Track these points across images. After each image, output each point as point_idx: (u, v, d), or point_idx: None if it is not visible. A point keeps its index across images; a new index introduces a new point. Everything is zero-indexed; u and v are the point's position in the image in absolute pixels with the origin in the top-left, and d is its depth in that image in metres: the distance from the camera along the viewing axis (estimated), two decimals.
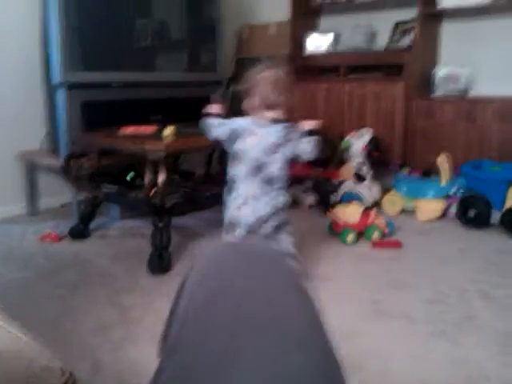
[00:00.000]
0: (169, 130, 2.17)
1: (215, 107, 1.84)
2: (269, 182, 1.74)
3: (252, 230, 1.74)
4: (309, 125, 1.82)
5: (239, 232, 1.74)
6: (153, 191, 2.08)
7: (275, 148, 1.73)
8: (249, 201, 1.72)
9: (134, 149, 2.05)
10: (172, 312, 0.62)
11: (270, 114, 1.73)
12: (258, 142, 1.73)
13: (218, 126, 1.78)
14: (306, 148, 1.78)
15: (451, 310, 1.75)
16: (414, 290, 1.92)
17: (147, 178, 1.99)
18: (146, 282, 2.00)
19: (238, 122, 1.77)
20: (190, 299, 0.61)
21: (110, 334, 1.60)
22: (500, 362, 1.44)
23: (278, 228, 1.81)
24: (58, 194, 3.04)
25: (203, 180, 2.95)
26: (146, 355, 1.43)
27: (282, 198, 1.78)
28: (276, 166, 1.74)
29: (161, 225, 2.08)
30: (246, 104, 1.75)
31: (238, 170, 1.74)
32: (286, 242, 1.85)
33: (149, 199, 2.07)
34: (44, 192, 3.06)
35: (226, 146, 1.79)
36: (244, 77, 1.78)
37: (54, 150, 2.82)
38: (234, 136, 1.74)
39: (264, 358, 0.51)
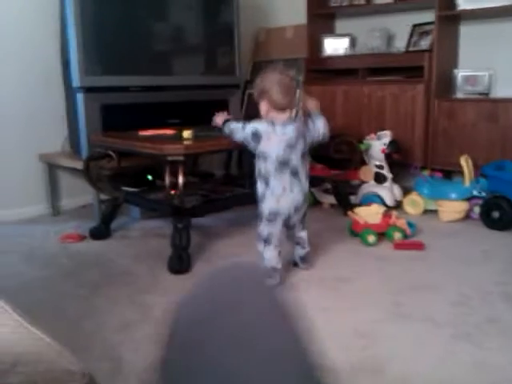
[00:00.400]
0: (187, 133, 2.19)
1: (222, 116, 2.00)
2: (295, 174, 1.89)
3: (288, 218, 1.91)
4: (311, 104, 1.99)
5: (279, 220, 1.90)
6: (172, 193, 2.10)
7: (295, 143, 1.87)
8: (286, 192, 1.87)
9: (153, 151, 2.07)
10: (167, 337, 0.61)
11: (282, 116, 1.84)
12: (278, 141, 1.84)
13: (242, 129, 1.89)
14: (320, 127, 1.96)
15: (475, 313, 1.72)
16: (436, 292, 1.89)
17: (167, 180, 2.00)
18: (167, 282, 2.00)
19: (255, 126, 1.87)
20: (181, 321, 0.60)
21: (132, 332, 1.61)
22: None
23: (302, 220, 2.02)
24: (79, 194, 3.08)
25: (223, 181, 2.97)
26: None
27: (307, 186, 1.96)
28: (298, 159, 1.88)
29: (180, 226, 2.09)
30: (260, 107, 1.86)
31: (268, 167, 1.86)
32: (303, 241, 2.06)
33: (168, 200, 2.08)
34: (66, 193, 3.10)
35: (251, 147, 1.89)
36: (255, 81, 1.89)
37: (74, 151, 2.86)
38: (256, 138, 1.85)
39: None
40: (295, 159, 1.87)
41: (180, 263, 2.08)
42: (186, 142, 2.12)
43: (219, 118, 2.06)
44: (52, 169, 3.01)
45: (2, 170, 2.84)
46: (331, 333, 1.58)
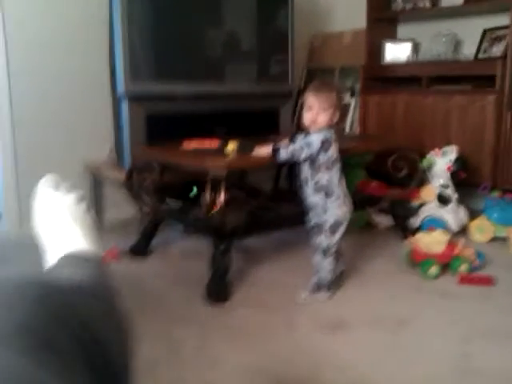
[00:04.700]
0: (232, 145, 2.02)
1: (265, 147, 1.93)
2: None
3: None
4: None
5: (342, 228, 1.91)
6: (213, 211, 1.94)
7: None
8: (346, 198, 1.92)
9: (194, 166, 1.91)
10: None
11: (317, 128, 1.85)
12: (336, 149, 1.89)
13: (307, 145, 1.83)
14: None
15: None
16: None
17: (206, 197, 1.84)
18: (203, 312, 1.84)
19: (322, 134, 1.84)
20: None
21: (156, 375, 1.45)
22: None
23: None
24: (124, 206, 2.98)
25: (271, 197, 2.77)
26: None
27: None
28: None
29: (220, 248, 1.92)
30: (322, 117, 1.83)
31: (332, 176, 1.87)
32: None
33: (208, 220, 1.91)
34: (110, 205, 3.01)
35: (315, 156, 1.85)
36: (327, 90, 1.88)
37: (118, 162, 2.77)
38: (328, 144, 1.84)
39: None
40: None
41: (219, 290, 1.91)
42: (229, 157, 1.95)
43: (264, 150, 1.93)
44: (97, 179, 2.93)
45: None
46: None
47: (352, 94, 3.54)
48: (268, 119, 3.13)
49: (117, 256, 2.40)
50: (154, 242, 2.54)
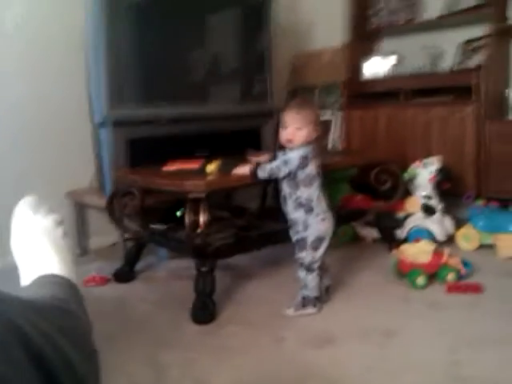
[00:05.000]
0: (213, 166, 2.01)
1: (242, 167, 1.93)
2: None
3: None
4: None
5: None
6: (195, 233, 1.92)
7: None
8: (326, 214, 1.89)
9: (173, 188, 1.90)
10: None
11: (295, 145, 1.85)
12: (315, 165, 1.87)
13: (284, 163, 1.83)
14: None
15: None
16: (503, 347, 1.59)
17: (188, 219, 1.82)
18: (189, 334, 1.80)
19: (301, 150, 1.83)
20: None
21: None
22: None
23: None
24: (108, 233, 2.94)
25: (257, 215, 2.76)
26: None
27: None
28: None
29: (204, 269, 1.89)
30: (302, 133, 1.83)
31: (311, 192, 1.86)
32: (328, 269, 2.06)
33: (190, 241, 1.89)
34: (94, 231, 2.98)
35: (293, 174, 1.84)
36: (304, 109, 1.89)
37: (100, 188, 2.75)
38: (306, 161, 1.83)
39: None
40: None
41: (204, 311, 1.88)
42: (209, 178, 1.94)
43: (243, 169, 1.93)
44: (80, 206, 2.90)
45: None
46: None
47: (333, 111, 3.57)
48: (250, 138, 3.14)
49: (101, 281, 2.36)
50: (140, 266, 2.51)
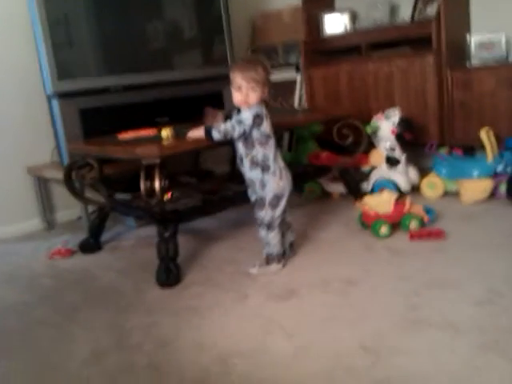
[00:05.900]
0: (166, 131, 1.97)
1: (196, 129, 1.90)
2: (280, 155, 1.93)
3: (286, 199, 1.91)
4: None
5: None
6: (167, 197, 1.91)
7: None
8: (283, 172, 1.88)
9: (126, 155, 1.86)
10: None
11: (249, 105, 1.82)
12: (269, 123, 1.86)
13: (238, 122, 1.80)
14: None
15: (507, 314, 1.45)
16: (459, 289, 1.63)
17: (142, 186, 1.78)
18: (153, 298, 1.80)
19: (253, 109, 1.80)
20: None
21: (104, 363, 1.40)
22: None
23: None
24: (75, 206, 2.90)
25: (227, 179, 2.73)
26: None
27: None
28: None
29: (166, 234, 1.88)
30: (253, 95, 1.80)
31: (266, 151, 1.85)
32: (291, 225, 2.05)
33: (148, 208, 1.86)
34: (61, 205, 2.94)
35: (248, 133, 1.82)
36: (249, 70, 1.81)
37: (61, 162, 2.68)
38: (260, 120, 1.81)
39: None
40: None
41: (168, 276, 1.87)
42: (163, 143, 1.90)
43: (197, 132, 1.89)
44: (42, 181, 2.84)
45: None
46: (334, 350, 1.34)
47: (297, 70, 3.52)
48: (212, 102, 3.08)
49: (66, 253, 2.34)
50: (107, 236, 2.50)
